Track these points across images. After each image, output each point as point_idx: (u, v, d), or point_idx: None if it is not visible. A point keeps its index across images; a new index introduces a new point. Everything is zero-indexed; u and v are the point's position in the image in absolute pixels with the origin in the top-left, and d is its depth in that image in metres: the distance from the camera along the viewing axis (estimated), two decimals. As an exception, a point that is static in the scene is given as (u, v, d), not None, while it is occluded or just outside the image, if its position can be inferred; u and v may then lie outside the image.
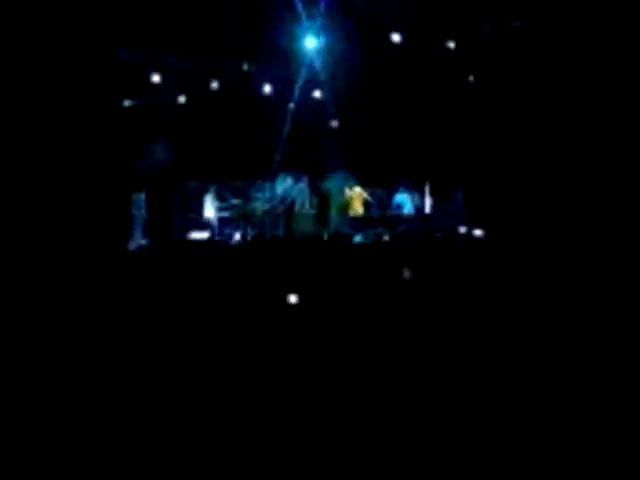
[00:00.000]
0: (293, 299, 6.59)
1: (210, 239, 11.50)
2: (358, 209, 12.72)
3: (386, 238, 10.95)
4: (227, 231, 12.11)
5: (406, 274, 7.07)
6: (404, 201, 12.86)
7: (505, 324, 5.43)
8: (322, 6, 10.96)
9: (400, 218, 12.55)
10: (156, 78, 12.20)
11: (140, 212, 11.60)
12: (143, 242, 11.24)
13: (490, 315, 5.68)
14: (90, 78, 10.42)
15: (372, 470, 3.18)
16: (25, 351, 4.86)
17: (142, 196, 11.76)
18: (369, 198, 12.68)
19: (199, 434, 3.58)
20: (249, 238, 11.42)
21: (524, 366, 4.54)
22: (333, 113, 12.97)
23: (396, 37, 11.29)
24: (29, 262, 6.78)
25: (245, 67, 12.34)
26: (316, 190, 12.82)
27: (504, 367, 4.58)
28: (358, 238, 10.94)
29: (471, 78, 11.41)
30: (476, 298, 6.33)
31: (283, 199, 12.53)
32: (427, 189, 12.91)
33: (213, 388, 4.28)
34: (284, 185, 12.59)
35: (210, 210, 12.37)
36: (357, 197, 12.74)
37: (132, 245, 11.05)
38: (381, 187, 13.18)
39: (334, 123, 13.08)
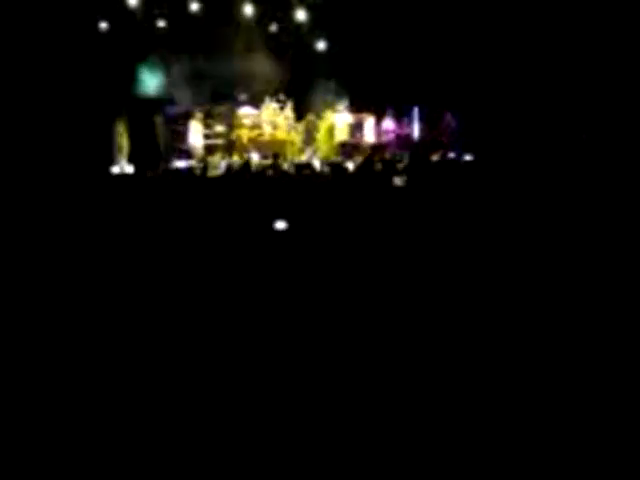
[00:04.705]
0: (281, 225, 6.51)
1: (195, 167, 11.28)
2: (344, 134, 12.49)
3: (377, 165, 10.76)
4: (213, 159, 11.87)
5: (397, 182, 6.98)
6: (392, 126, 12.64)
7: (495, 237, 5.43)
8: None
9: (388, 144, 12.38)
10: (133, 1, 11.83)
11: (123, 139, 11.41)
12: (128, 169, 11.06)
13: (480, 229, 5.68)
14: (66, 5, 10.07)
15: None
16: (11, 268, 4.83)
17: (125, 122, 11.54)
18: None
19: (186, 361, 3.53)
20: (235, 166, 11.21)
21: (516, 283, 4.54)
22: (322, 35, 12.59)
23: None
24: (17, 187, 6.68)
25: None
26: (302, 116, 12.53)
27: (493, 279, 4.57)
28: (351, 165, 10.79)
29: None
30: (466, 218, 6.30)
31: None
32: (416, 114, 12.66)
33: (197, 314, 4.22)
34: (268, 111, 12.31)
35: (195, 137, 12.10)
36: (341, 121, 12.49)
37: (116, 172, 10.89)
38: (370, 112, 12.89)
39: (323, 45, 12.73)
